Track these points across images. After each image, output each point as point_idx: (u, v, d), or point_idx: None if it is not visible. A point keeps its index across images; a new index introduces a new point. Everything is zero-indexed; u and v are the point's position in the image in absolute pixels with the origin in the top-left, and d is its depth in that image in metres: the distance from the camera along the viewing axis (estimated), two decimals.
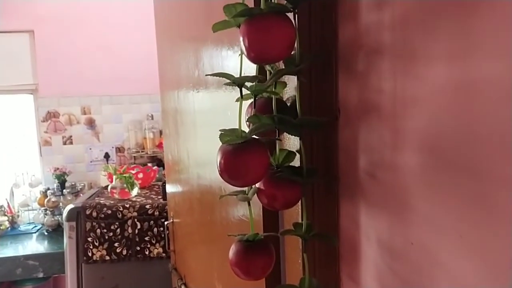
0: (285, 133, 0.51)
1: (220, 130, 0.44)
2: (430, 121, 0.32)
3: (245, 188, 0.48)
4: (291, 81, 0.50)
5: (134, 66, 3.09)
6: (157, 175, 2.61)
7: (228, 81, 0.45)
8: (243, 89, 0.46)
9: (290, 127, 0.45)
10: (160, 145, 2.87)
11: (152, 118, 3.12)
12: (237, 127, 0.44)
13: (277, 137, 0.48)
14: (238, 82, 0.44)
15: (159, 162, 2.82)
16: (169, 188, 1.45)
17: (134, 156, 3.09)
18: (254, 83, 0.46)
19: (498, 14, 0.26)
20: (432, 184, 0.32)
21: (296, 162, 0.48)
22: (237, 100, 0.47)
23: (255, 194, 0.46)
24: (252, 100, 0.48)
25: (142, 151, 3.06)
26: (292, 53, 0.43)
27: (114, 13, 3.10)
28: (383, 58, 0.38)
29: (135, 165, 2.64)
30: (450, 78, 0.30)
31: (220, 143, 0.44)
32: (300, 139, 0.45)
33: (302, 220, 0.45)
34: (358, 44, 0.42)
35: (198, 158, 1.05)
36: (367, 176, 0.41)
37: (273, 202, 0.46)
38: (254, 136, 0.45)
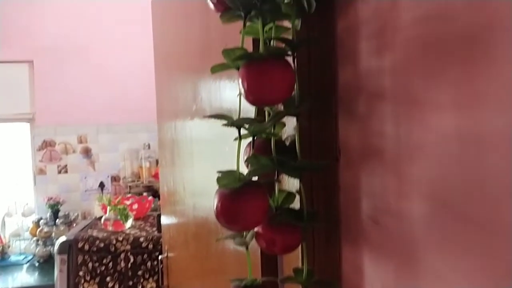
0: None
1: (217, 172, 0.43)
2: (437, 170, 0.31)
3: None
4: (290, 121, 0.50)
5: (132, 95, 3.11)
6: (153, 205, 2.58)
7: (226, 122, 0.44)
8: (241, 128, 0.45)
9: (289, 169, 0.44)
10: (156, 175, 2.84)
11: (149, 147, 3.11)
12: (235, 169, 0.43)
13: (276, 178, 0.47)
14: (236, 124, 0.43)
15: (155, 193, 2.79)
16: (164, 220, 1.42)
17: (129, 186, 3.06)
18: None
19: (507, 63, 0.26)
20: (441, 235, 0.31)
21: (296, 204, 0.47)
22: (235, 139, 0.46)
23: (253, 238, 0.45)
24: (250, 139, 0.47)
25: (138, 181, 3.04)
26: (292, 93, 0.43)
27: (113, 43, 3.15)
28: (385, 102, 0.37)
29: (130, 195, 2.60)
30: (457, 128, 0.29)
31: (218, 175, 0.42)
32: (300, 182, 0.44)
33: (302, 265, 0.43)
34: (359, 87, 0.41)
35: (194, 190, 1.03)
36: (371, 222, 0.40)
37: (272, 247, 0.44)
38: (253, 178, 0.44)
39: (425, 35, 0.32)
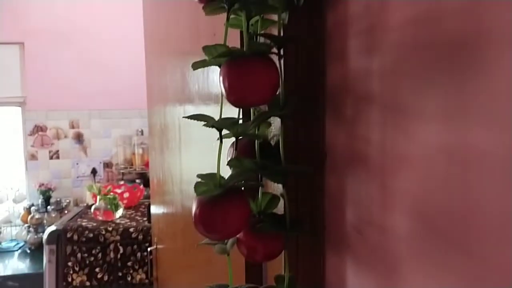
0: None
1: (197, 176, 0.41)
2: (421, 185, 0.29)
3: None
4: (276, 119, 0.47)
5: (125, 80, 3.06)
6: (145, 193, 2.56)
7: (205, 123, 0.42)
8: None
9: (273, 174, 0.42)
10: (148, 164, 2.82)
11: (142, 134, 3.08)
12: (215, 172, 0.41)
13: (260, 181, 0.45)
14: (217, 126, 0.41)
15: (147, 181, 2.77)
16: (154, 211, 1.40)
17: (122, 172, 3.03)
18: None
19: (499, 74, 0.23)
20: (423, 254, 0.29)
21: (280, 207, 0.45)
22: (217, 139, 0.44)
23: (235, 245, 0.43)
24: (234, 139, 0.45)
25: (130, 168, 3.01)
26: (276, 93, 0.40)
27: (105, 27, 3.09)
28: (372, 107, 0.35)
29: (122, 182, 2.58)
30: (443, 142, 0.27)
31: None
32: (283, 187, 0.42)
33: (284, 272, 0.42)
34: (347, 89, 0.39)
35: (182, 180, 1.01)
36: (355, 232, 0.38)
37: (253, 254, 0.42)
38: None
39: (413, 38, 0.29)
